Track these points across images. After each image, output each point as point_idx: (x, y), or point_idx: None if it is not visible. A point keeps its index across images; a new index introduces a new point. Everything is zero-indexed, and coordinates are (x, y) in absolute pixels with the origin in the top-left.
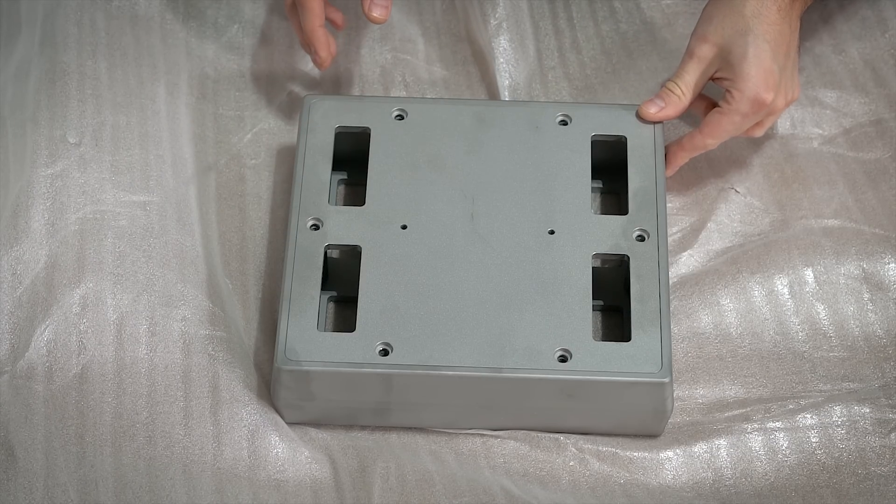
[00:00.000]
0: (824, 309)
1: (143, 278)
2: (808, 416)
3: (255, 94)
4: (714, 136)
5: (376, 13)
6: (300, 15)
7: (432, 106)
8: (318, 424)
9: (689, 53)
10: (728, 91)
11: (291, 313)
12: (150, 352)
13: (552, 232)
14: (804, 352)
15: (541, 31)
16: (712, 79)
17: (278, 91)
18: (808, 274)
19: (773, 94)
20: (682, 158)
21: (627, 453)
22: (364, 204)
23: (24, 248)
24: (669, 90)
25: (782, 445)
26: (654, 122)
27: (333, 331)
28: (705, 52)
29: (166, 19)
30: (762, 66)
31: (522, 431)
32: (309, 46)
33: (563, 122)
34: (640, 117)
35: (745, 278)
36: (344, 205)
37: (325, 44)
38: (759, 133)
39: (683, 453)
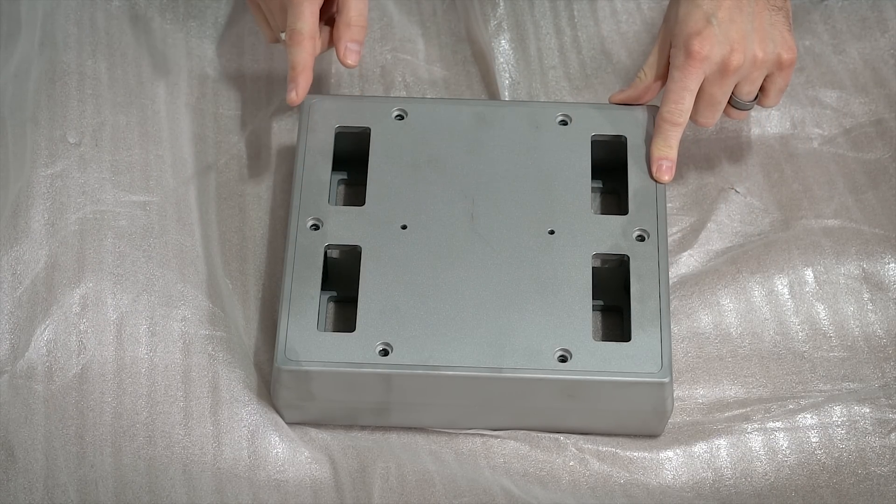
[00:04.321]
0: (824, 309)
1: (143, 278)
2: (808, 416)
3: (255, 94)
4: (673, 101)
5: (351, 60)
6: (295, 53)
7: (432, 106)
8: (318, 424)
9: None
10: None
11: (291, 313)
12: (150, 352)
13: (552, 232)
14: (804, 352)
15: (541, 31)
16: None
17: (278, 91)
18: (808, 274)
19: (708, 46)
20: (666, 130)
21: (627, 453)
22: (364, 204)
23: (24, 248)
24: (637, 77)
25: (782, 445)
26: (621, 104)
27: (333, 331)
28: (662, 33)
29: (166, 19)
30: (690, 20)
31: (522, 431)
32: (293, 82)
33: (563, 122)
34: (610, 101)
35: (745, 278)
36: (344, 205)
37: (308, 85)
38: (746, 95)
39: (683, 453)
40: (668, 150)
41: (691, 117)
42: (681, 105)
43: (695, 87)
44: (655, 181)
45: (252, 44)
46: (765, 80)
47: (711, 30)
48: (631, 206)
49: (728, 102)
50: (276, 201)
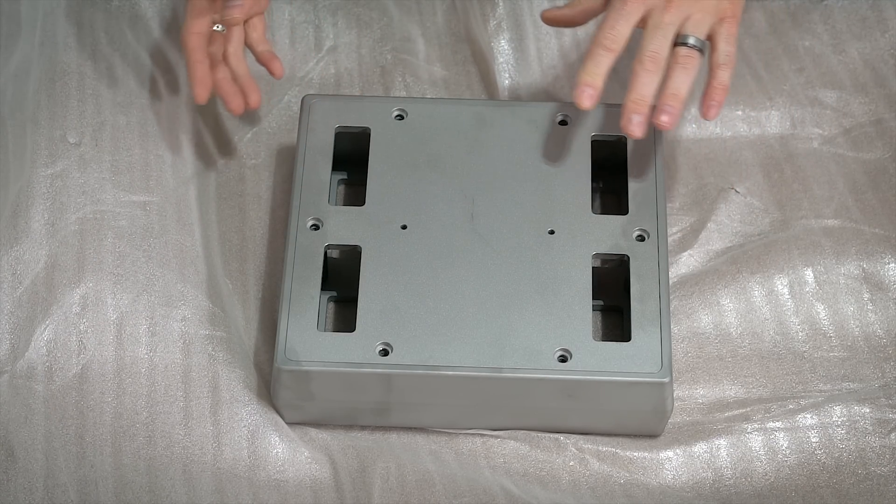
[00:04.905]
0: (824, 309)
1: (143, 278)
2: (808, 416)
3: None
4: (609, 27)
5: (235, 13)
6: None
7: (432, 106)
8: (318, 424)
9: None
10: None
11: (291, 313)
12: (150, 352)
13: (552, 232)
14: (804, 352)
15: (541, 31)
16: None
17: (278, 91)
18: (808, 274)
19: None
20: (598, 55)
21: (627, 453)
22: (364, 204)
23: (24, 248)
24: None
25: (782, 445)
26: (550, 22)
27: (333, 331)
28: None
29: (166, 19)
30: None
31: (522, 431)
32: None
33: (563, 122)
34: (542, 18)
35: (745, 278)
36: (344, 205)
37: (204, 81)
38: (690, 38)
39: (683, 453)
40: (594, 77)
41: (642, 45)
42: (616, 31)
43: (634, 18)
44: (576, 104)
45: None
46: (711, 32)
47: None
48: (631, 206)
49: (675, 44)
50: (276, 201)
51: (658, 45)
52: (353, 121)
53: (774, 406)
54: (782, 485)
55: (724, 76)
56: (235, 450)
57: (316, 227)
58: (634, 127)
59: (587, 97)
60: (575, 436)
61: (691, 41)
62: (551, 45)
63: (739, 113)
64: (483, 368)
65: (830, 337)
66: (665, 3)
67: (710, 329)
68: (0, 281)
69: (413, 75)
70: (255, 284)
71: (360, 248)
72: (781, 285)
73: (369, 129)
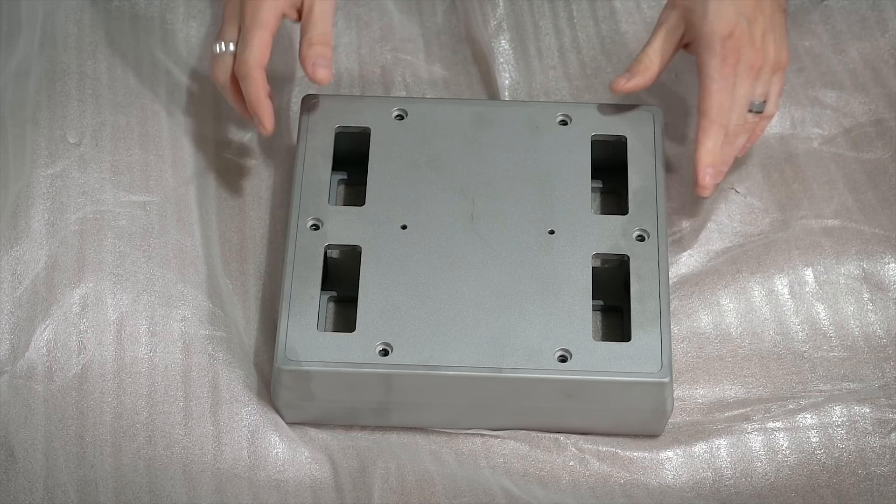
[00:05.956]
0: (824, 309)
1: (143, 278)
2: (808, 416)
3: None
4: (718, 102)
5: (320, 75)
6: (243, 87)
7: (432, 106)
8: (318, 424)
9: (658, 22)
10: (697, 52)
11: (291, 313)
12: (150, 352)
13: (552, 232)
14: (804, 352)
15: (541, 31)
16: (684, 47)
17: (278, 91)
18: (808, 274)
19: (742, 49)
20: (715, 133)
21: (627, 453)
22: (364, 204)
23: (24, 248)
24: (637, 61)
25: (782, 445)
26: (627, 93)
27: (333, 331)
28: (671, 17)
29: (166, 19)
30: (723, 17)
31: (522, 431)
32: (254, 116)
33: (563, 122)
34: (613, 91)
35: (745, 278)
36: (344, 205)
37: (271, 113)
38: (759, 97)
39: (683, 453)
40: (715, 156)
41: (723, 113)
42: (726, 106)
43: (732, 88)
44: (698, 193)
45: None
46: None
47: (742, 29)
48: (631, 206)
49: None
50: (276, 201)
51: (739, 121)
52: (353, 121)
53: (774, 406)
54: (782, 485)
55: (765, 126)
56: (235, 450)
57: (316, 227)
58: (711, 181)
59: (712, 178)
60: (575, 436)
61: (758, 107)
62: (551, 45)
63: None
64: (483, 368)
65: (830, 337)
66: (747, 72)
67: (710, 329)
68: (0, 281)
69: (413, 75)
70: (255, 284)
71: (360, 248)
72: (781, 285)
73: (369, 129)
